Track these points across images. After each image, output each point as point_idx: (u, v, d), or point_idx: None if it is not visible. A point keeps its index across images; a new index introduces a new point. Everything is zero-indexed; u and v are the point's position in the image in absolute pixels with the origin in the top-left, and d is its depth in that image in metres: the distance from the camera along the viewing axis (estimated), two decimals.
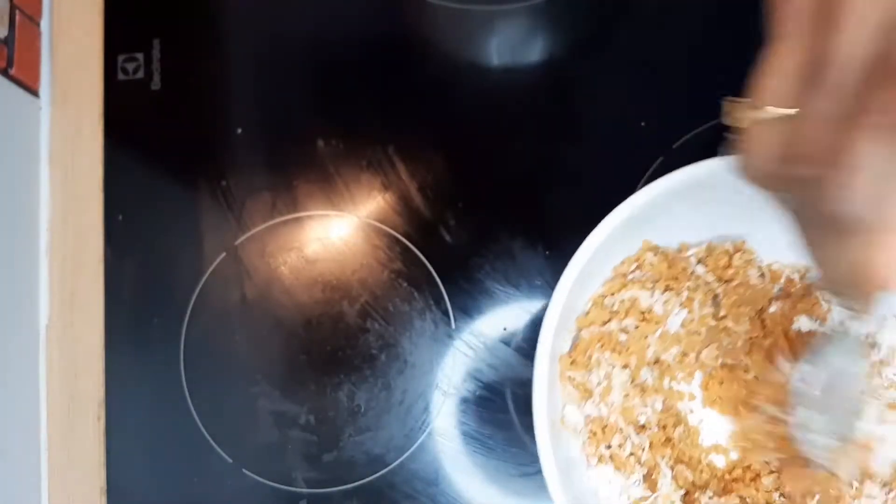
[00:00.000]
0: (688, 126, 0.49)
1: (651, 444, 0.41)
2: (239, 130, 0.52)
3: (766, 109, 0.24)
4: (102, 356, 0.49)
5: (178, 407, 0.48)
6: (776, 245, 0.42)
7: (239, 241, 0.50)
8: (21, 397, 0.48)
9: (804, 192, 0.23)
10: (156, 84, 0.53)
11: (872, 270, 0.23)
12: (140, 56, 0.53)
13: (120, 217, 0.51)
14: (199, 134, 0.52)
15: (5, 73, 0.50)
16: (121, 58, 0.53)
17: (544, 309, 0.48)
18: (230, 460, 0.47)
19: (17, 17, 0.52)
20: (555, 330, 0.38)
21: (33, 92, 0.52)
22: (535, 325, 0.47)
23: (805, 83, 0.22)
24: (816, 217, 0.23)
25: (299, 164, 0.51)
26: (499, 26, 0.52)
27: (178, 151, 0.52)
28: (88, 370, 0.49)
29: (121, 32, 0.54)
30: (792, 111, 0.23)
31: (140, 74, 0.53)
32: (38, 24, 0.54)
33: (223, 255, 0.50)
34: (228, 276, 0.50)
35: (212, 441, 0.48)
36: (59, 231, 0.51)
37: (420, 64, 0.52)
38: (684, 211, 0.40)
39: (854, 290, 0.25)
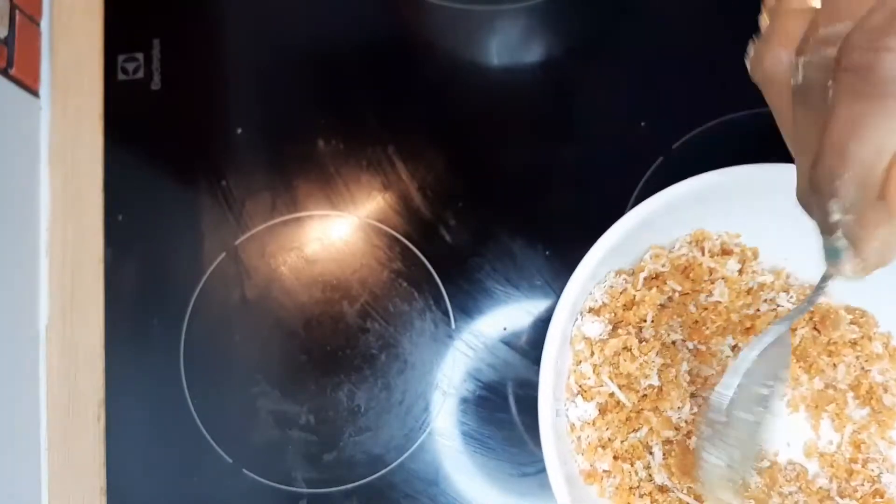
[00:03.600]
0: (688, 126, 0.49)
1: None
2: (239, 130, 0.52)
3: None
4: (102, 356, 0.49)
5: (178, 407, 0.48)
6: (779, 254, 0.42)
7: (239, 241, 0.50)
8: (21, 397, 0.48)
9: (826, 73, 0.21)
10: (156, 84, 0.53)
11: None
12: (140, 56, 0.53)
13: (120, 217, 0.51)
14: (199, 134, 0.52)
15: (5, 73, 0.50)
16: (121, 58, 0.53)
17: (544, 308, 0.48)
18: (230, 460, 0.47)
19: (17, 17, 0.52)
20: (559, 346, 0.38)
21: (33, 92, 0.52)
22: (536, 324, 0.48)
23: None
24: (850, 99, 0.20)
25: (299, 164, 0.51)
26: (499, 26, 0.52)
27: (178, 151, 0.52)
28: (88, 370, 0.49)
29: (121, 32, 0.54)
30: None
31: (140, 74, 0.53)
32: (38, 24, 0.54)
33: (223, 255, 0.50)
34: (228, 276, 0.50)
35: (212, 441, 0.48)
36: (59, 231, 0.51)
37: (420, 64, 0.52)
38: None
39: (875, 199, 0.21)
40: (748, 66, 0.24)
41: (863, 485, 0.41)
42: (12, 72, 0.50)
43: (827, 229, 0.23)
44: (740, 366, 0.32)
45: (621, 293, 0.42)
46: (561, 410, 0.40)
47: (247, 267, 0.50)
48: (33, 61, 0.53)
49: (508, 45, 0.52)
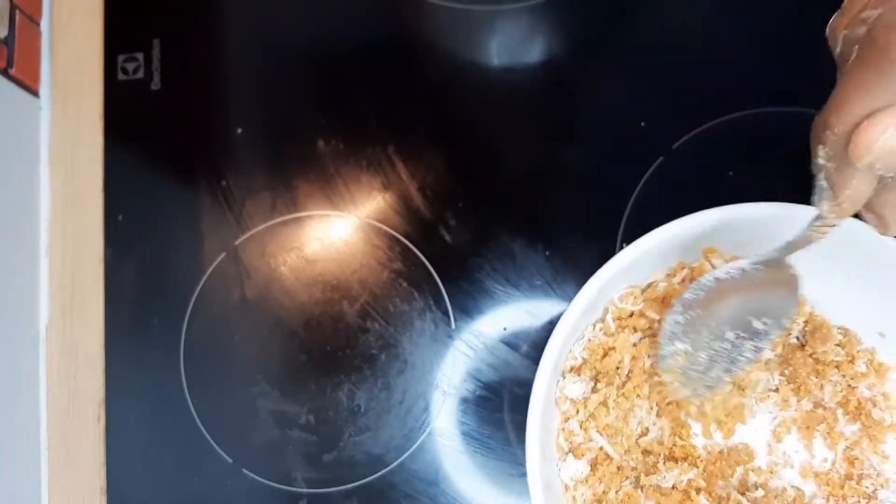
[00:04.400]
0: (688, 126, 0.49)
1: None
2: (239, 130, 0.52)
3: None
4: (102, 356, 0.49)
5: (178, 407, 0.48)
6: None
7: (239, 241, 0.50)
8: (21, 397, 0.48)
9: None
10: (156, 84, 0.53)
11: None
12: (140, 56, 0.53)
13: (120, 217, 0.51)
14: (199, 134, 0.52)
15: (5, 73, 0.50)
16: (121, 58, 0.53)
17: (544, 308, 0.48)
18: (230, 460, 0.47)
19: (17, 17, 0.52)
20: (550, 373, 0.38)
21: (33, 92, 0.52)
22: (536, 325, 0.48)
23: None
24: None
25: (299, 164, 0.51)
26: (499, 26, 0.52)
27: (178, 151, 0.52)
28: (88, 370, 0.49)
29: (121, 32, 0.54)
30: None
31: (140, 74, 0.53)
32: (38, 24, 0.54)
33: (223, 255, 0.50)
34: (228, 276, 0.50)
35: (212, 441, 0.48)
36: (59, 231, 0.51)
37: (420, 64, 0.52)
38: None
39: None
40: (826, 32, 0.27)
41: (858, 502, 0.41)
42: (12, 72, 0.50)
43: (816, 169, 0.28)
44: (737, 263, 0.35)
45: (599, 345, 0.42)
46: (553, 472, 0.40)
47: (247, 267, 0.50)
48: (33, 61, 0.53)
49: (508, 45, 0.52)
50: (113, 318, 0.50)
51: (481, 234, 0.49)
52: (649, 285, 0.42)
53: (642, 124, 0.49)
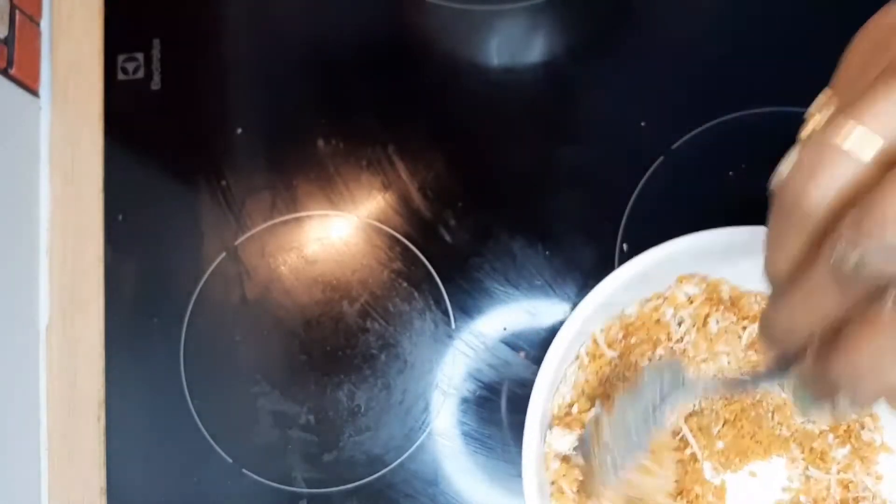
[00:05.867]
0: (688, 126, 0.49)
1: None
2: (239, 130, 0.52)
3: (858, 136, 0.18)
4: (102, 356, 0.49)
5: (178, 407, 0.48)
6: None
7: (239, 241, 0.50)
8: (21, 397, 0.48)
9: None
10: (156, 84, 0.53)
11: None
12: (140, 56, 0.53)
13: (120, 217, 0.51)
14: (199, 134, 0.52)
15: (5, 73, 0.50)
16: (121, 58, 0.53)
17: (544, 308, 0.48)
18: (230, 460, 0.47)
19: (17, 17, 0.52)
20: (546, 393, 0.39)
21: (33, 92, 0.52)
22: (535, 325, 0.48)
23: None
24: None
25: (299, 164, 0.51)
26: (499, 26, 0.52)
27: (178, 151, 0.52)
28: (88, 370, 0.49)
29: (121, 32, 0.54)
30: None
31: (140, 74, 0.53)
32: (38, 24, 0.54)
33: (223, 255, 0.50)
34: (228, 276, 0.50)
35: (212, 441, 0.48)
36: (59, 231, 0.51)
37: (420, 64, 0.52)
38: None
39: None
40: (772, 181, 0.21)
41: None
42: (12, 72, 0.50)
43: (815, 393, 0.23)
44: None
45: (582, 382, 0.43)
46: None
47: (247, 267, 0.50)
48: (33, 61, 0.53)
49: (508, 45, 0.52)
50: (113, 318, 0.50)
51: (481, 234, 0.49)
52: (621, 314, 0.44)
53: (642, 124, 0.49)
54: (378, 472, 0.46)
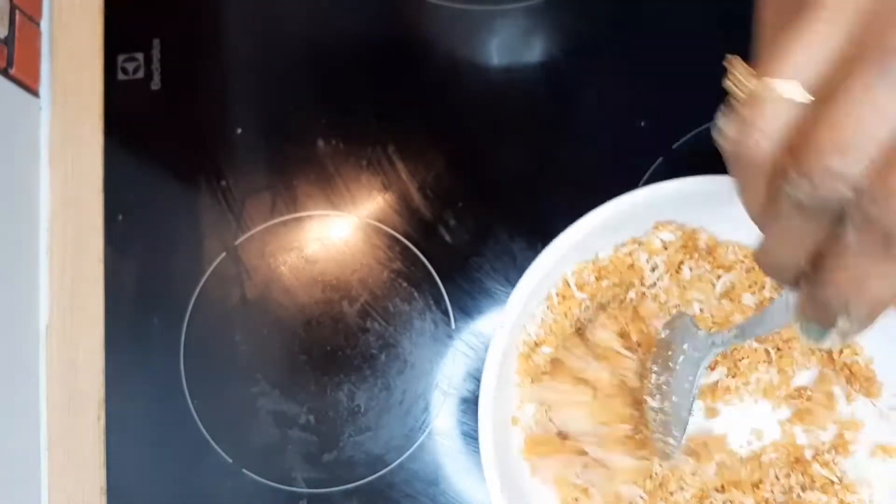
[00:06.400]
0: (688, 126, 0.49)
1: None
2: (239, 130, 0.52)
3: (781, 86, 0.20)
4: (102, 356, 0.49)
5: (178, 407, 0.48)
6: None
7: (239, 241, 0.50)
8: (21, 397, 0.48)
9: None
10: (156, 84, 0.53)
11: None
12: (140, 56, 0.53)
13: (120, 217, 0.51)
14: (199, 134, 0.52)
15: (5, 73, 0.50)
16: (121, 58, 0.53)
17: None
18: (230, 460, 0.47)
19: (17, 17, 0.52)
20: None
21: (33, 92, 0.52)
22: None
23: (842, 75, 0.19)
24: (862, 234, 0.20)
25: (299, 164, 0.51)
26: (499, 26, 0.52)
27: (178, 151, 0.52)
28: (88, 370, 0.49)
29: (121, 32, 0.54)
30: (808, 99, 0.20)
31: (140, 74, 0.53)
32: (38, 24, 0.54)
33: (223, 255, 0.50)
34: (228, 276, 0.50)
35: (212, 441, 0.48)
36: (59, 231, 0.51)
37: (420, 64, 0.52)
38: None
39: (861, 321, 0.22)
40: (714, 135, 0.22)
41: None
42: (12, 72, 0.50)
43: (811, 319, 0.24)
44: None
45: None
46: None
47: (247, 267, 0.50)
48: (33, 61, 0.53)
49: (508, 45, 0.52)
50: (113, 318, 0.50)
51: (481, 234, 0.49)
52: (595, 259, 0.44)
53: (642, 124, 0.49)
54: (378, 472, 0.46)
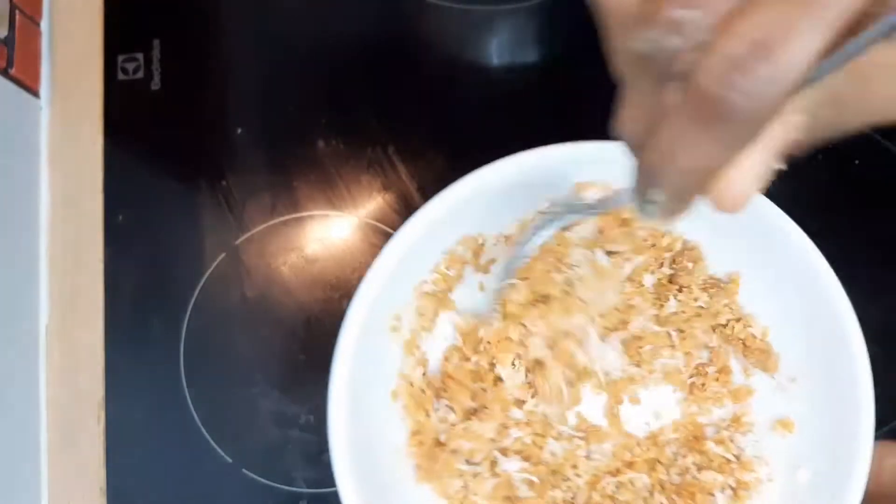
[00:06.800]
0: None
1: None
2: (239, 130, 0.52)
3: None
4: (102, 356, 0.49)
5: (178, 407, 0.48)
6: None
7: (239, 241, 0.50)
8: (21, 397, 0.48)
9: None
10: (156, 84, 0.53)
11: (725, 185, 0.21)
12: (140, 56, 0.53)
13: (120, 217, 0.51)
14: (199, 134, 0.52)
15: (5, 73, 0.50)
16: (121, 58, 0.53)
17: None
18: (230, 460, 0.47)
19: (17, 17, 0.52)
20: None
21: (33, 92, 0.52)
22: None
23: None
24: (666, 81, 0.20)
25: (299, 164, 0.51)
26: (499, 26, 0.52)
27: (178, 151, 0.52)
28: (88, 370, 0.49)
29: (121, 32, 0.54)
30: None
31: (140, 74, 0.53)
32: (38, 24, 0.54)
33: (223, 255, 0.50)
34: (228, 276, 0.50)
35: (212, 441, 0.48)
36: (59, 231, 0.51)
37: (420, 64, 0.52)
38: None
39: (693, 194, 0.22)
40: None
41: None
42: (12, 72, 0.50)
43: (640, 191, 0.24)
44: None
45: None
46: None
47: (247, 267, 0.50)
48: (33, 61, 0.53)
49: (508, 45, 0.52)
50: (113, 318, 0.50)
51: None
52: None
53: None
54: None
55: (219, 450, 0.47)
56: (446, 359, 0.43)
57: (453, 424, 0.41)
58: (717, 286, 0.43)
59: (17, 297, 0.49)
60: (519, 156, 0.40)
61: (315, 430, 0.47)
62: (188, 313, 0.49)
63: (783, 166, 0.22)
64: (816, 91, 0.19)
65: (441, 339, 0.43)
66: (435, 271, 0.43)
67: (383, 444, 0.41)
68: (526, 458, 0.41)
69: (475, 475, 0.41)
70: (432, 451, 0.41)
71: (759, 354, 0.42)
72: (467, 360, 0.42)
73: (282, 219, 0.50)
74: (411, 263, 0.41)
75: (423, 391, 0.42)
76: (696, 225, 0.42)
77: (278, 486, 0.47)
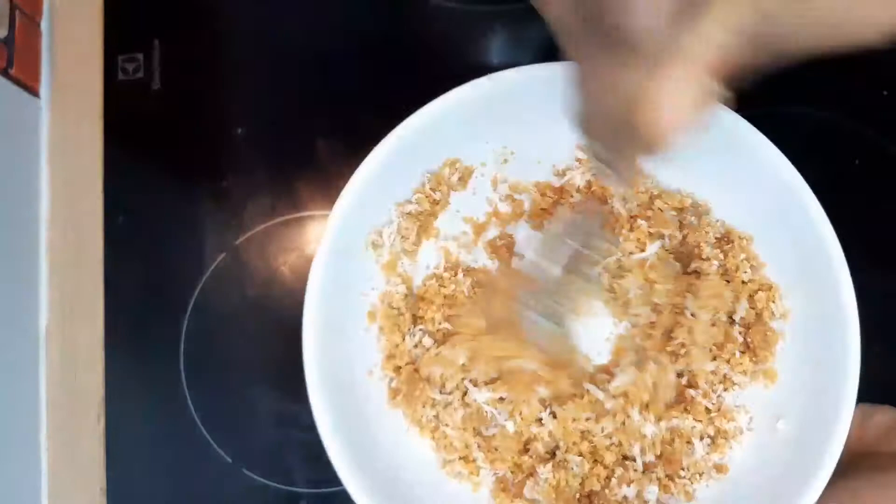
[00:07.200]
0: None
1: None
2: (239, 130, 0.52)
3: None
4: (102, 356, 0.49)
5: (178, 407, 0.48)
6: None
7: (239, 241, 0.50)
8: (21, 397, 0.48)
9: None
10: (156, 84, 0.53)
11: (652, 111, 0.21)
12: (140, 56, 0.53)
13: (120, 217, 0.51)
14: (199, 134, 0.52)
15: (5, 73, 0.50)
16: (121, 58, 0.53)
17: None
18: (230, 460, 0.47)
19: (17, 17, 0.51)
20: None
21: (33, 92, 0.52)
22: None
23: None
24: (595, 37, 0.22)
25: (299, 164, 0.51)
26: (499, 26, 0.52)
27: (178, 151, 0.52)
28: (88, 370, 0.49)
29: (121, 32, 0.54)
30: None
31: (140, 74, 0.53)
32: (38, 24, 0.54)
33: (223, 255, 0.50)
34: (228, 277, 0.50)
35: (212, 441, 0.48)
36: (59, 231, 0.51)
37: (421, 64, 0.52)
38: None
39: (627, 135, 0.23)
40: None
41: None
42: (12, 72, 0.50)
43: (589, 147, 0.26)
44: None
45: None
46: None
47: (247, 267, 0.50)
48: (33, 61, 0.53)
49: (508, 45, 0.52)
50: (113, 318, 0.50)
51: None
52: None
53: None
54: None
55: (219, 450, 0.47)
56: (424, 284, 0.44)
57: (427, 349, 0.42)
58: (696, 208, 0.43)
59: (17, 297, 0.49)
60: (498, 73, 0.41)
61: (315, 430, 0.47)
62: (188, 313, 0.49)
63: (727, 91, 0.22)
64: (743, 8, 0.20)
65: (423, 268, 0.44)
66: (419, 192, 0.44)
67: (357, 366, 0.42)
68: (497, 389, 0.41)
69: (446, 405, 0.41)
70: (406, 375, 0.42)
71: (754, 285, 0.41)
72: (444, 286, 0.43)
73: (282, 219, 0.50)
74: (393, 178, 0.42)
75: (400, 313, 0.43)
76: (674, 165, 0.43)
77: (278, 486, 0.47)
